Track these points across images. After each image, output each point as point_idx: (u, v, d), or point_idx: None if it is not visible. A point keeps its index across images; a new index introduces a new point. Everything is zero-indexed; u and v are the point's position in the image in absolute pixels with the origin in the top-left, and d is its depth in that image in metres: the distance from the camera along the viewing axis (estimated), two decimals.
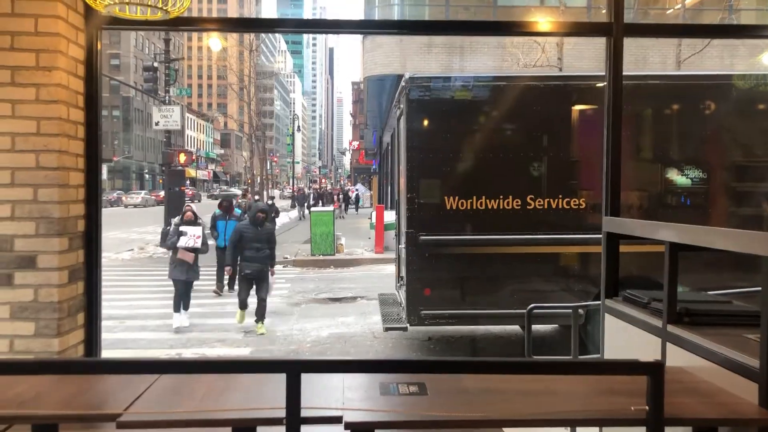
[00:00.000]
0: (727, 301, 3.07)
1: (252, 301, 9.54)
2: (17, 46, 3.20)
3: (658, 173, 7.93)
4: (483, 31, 4.96)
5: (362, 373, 2.26)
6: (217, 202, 14.14)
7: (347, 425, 1.98)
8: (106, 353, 8.02)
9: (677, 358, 2.70)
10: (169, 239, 9.73)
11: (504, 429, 2.43)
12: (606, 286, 3.50)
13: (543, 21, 3.99)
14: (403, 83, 7.62)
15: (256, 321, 9.39)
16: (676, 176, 7.85)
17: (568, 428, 3.43)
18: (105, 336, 9.25)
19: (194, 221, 9.84)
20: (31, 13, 3.19)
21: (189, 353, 8.14)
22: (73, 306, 3.37)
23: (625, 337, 3.21)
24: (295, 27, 4.66)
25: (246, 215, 11.70)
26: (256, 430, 2.08)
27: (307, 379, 2.01)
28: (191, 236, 9.52)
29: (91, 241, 3.53)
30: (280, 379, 1.91)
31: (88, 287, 3.53)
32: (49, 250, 3.21)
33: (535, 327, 8.29)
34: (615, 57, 3.58)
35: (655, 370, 1.94)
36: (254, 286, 9.53)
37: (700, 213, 7.86)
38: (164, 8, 2.91)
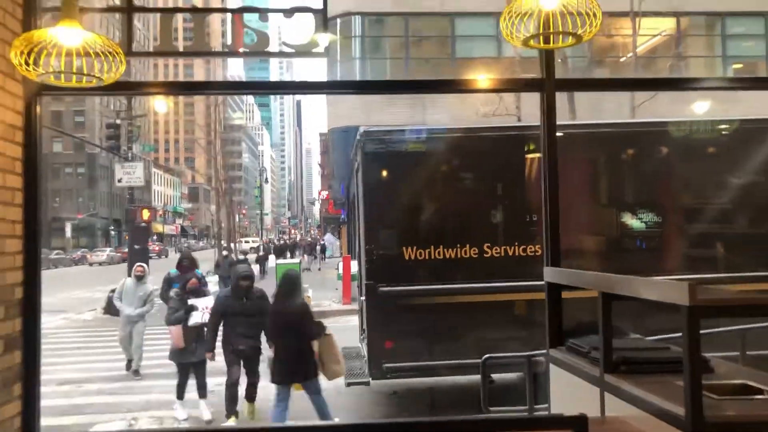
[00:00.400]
0: (664, 347, 3.12)
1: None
2: None
3: (613, 218, 8.12)
4: (428, 89, 5.19)
5: None
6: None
7: None
8: (56, 420, 7.79)
9: (615, 407, 2.72)
10: (172, 314, 7.96)
11: None
12: (550, 336, 3.53)
13: (481, 78, 4.13)
14: (357, 137, 7.74)
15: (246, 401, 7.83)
16: (630, 220, 8.05)
17: None
18: (61, 402, 8.99)
19: (200, 289, 8.28)
20: None
21: (146, 417, 7.92)
22: (8, 377, 3.28)
23: (568, 387, 3.23)
24: (243, 89, 4.71)
25: (206, 278, 9.73)
26: None
27: None
28: (203, 309, 7.79)
29: (29, 309, 3.46)
30: None
31: (27, 356, 3.44)
32: None
33: (501, 375, 8.26)
34: (548, 111, 3.70)
35: (578, 424, 1.95)
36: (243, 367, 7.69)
37: (656, 256, 8.05)
38: (98, 76, 2.94)
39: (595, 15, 3.01)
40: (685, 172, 8.02)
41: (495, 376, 7.98)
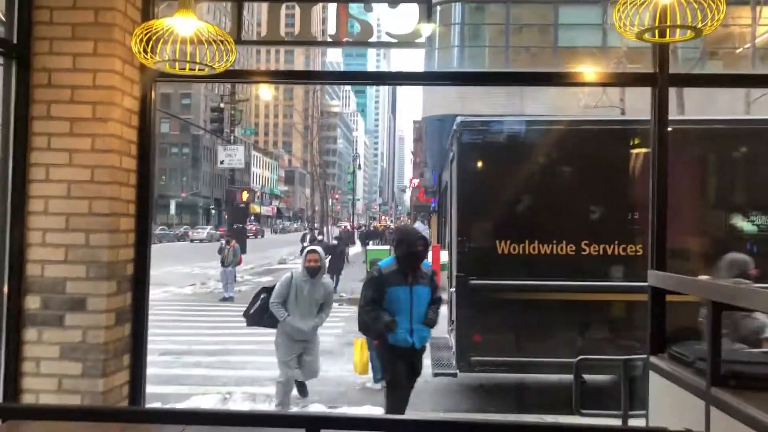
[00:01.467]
0: None
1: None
2: (77, 99, 3.40)
3: (723, 219, 7.70)
4: (530, 82, 4.99)
5: (382, 431, 2.23)
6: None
7: None
8: (156, 389, 8.22)
9: (721, 423, 2.57)
10: None
11: None
12: (651, 343, 3.38)
13: (589, 71, 3.97)
14: (454, 127, 7.67)
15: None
16: (742, 222, 7.60)
17: None
18: (161, 371, 9.46)
19: None
20: (90, 68, 3.39)
21: (239, 392, 8.23)
22: (119, 347, 3.48)
23: (670, 397, 3.08)
24: (338, 79, 4.74)
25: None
26: None
27: None
28: None
29: (139, 285, 3.66)
30: None
31: (135, 329, 3.64)
32: (98, 293, 3.34)
33: (593, 377, 8.01)
34: (660, 107, 3.53)
35: None
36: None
37: None
38: (210, 65, 3.04)
39: (717, 7, 2.84)
40: None
41: (586, 376, 7.76)
